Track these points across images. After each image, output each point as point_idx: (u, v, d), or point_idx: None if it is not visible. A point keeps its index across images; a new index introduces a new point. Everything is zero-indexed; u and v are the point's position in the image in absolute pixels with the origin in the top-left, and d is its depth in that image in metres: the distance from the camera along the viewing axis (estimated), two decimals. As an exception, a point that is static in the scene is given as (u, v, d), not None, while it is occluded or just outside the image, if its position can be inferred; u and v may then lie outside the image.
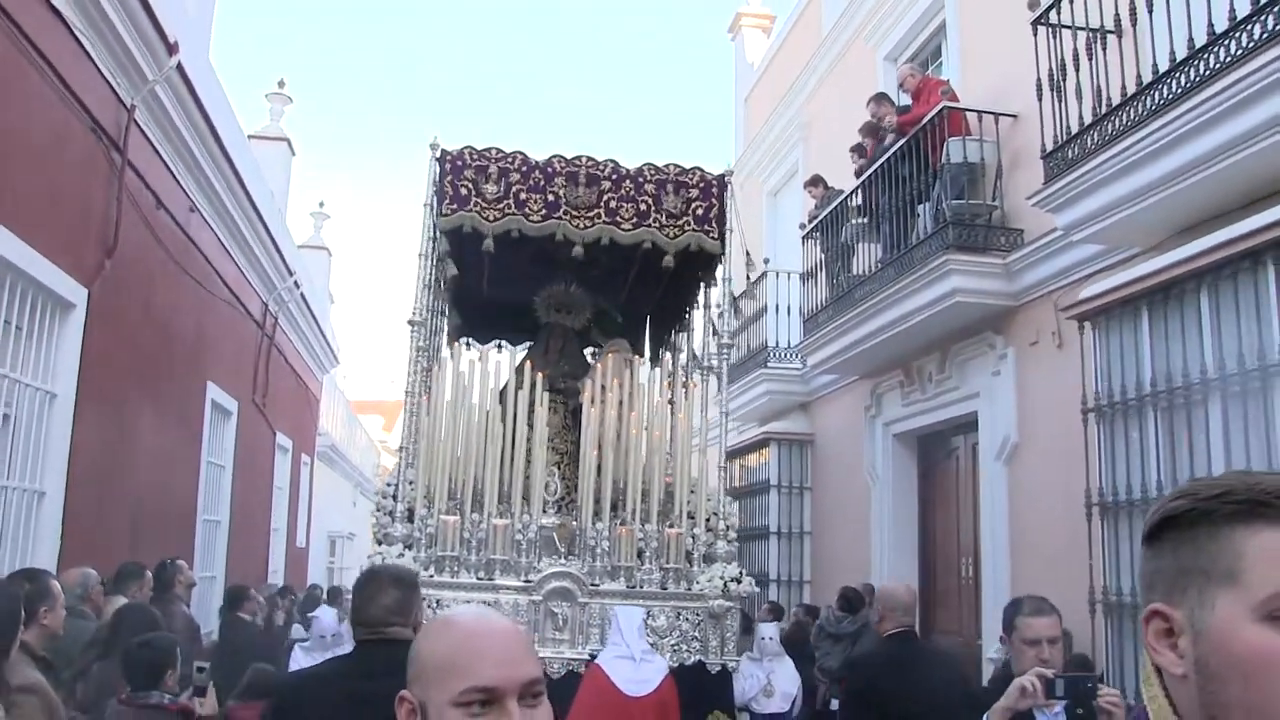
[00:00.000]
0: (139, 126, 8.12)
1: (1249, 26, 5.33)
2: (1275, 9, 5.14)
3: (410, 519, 6.61)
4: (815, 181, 11.92)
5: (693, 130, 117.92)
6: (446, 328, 8.66)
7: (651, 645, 6.13)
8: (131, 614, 5.60)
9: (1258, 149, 5.41)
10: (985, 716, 3.42)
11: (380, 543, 6.58)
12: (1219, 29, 5.56)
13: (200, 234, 10.28)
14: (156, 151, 8.73)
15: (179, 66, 8.18)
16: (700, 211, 6.98)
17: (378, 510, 6.90)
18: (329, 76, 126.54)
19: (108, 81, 7.48)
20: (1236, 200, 5.92)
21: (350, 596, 6.10)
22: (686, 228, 6.94)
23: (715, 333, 7.66)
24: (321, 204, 21.54)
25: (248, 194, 11.22)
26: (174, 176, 9.24)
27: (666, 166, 7.05)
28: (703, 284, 7.89)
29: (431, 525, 6.50)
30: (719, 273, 7.49)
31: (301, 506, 18.36)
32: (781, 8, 16.96)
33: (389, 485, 6.98)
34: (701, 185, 7.04)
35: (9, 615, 3.64)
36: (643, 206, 6.92)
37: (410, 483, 6.78)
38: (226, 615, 9.55)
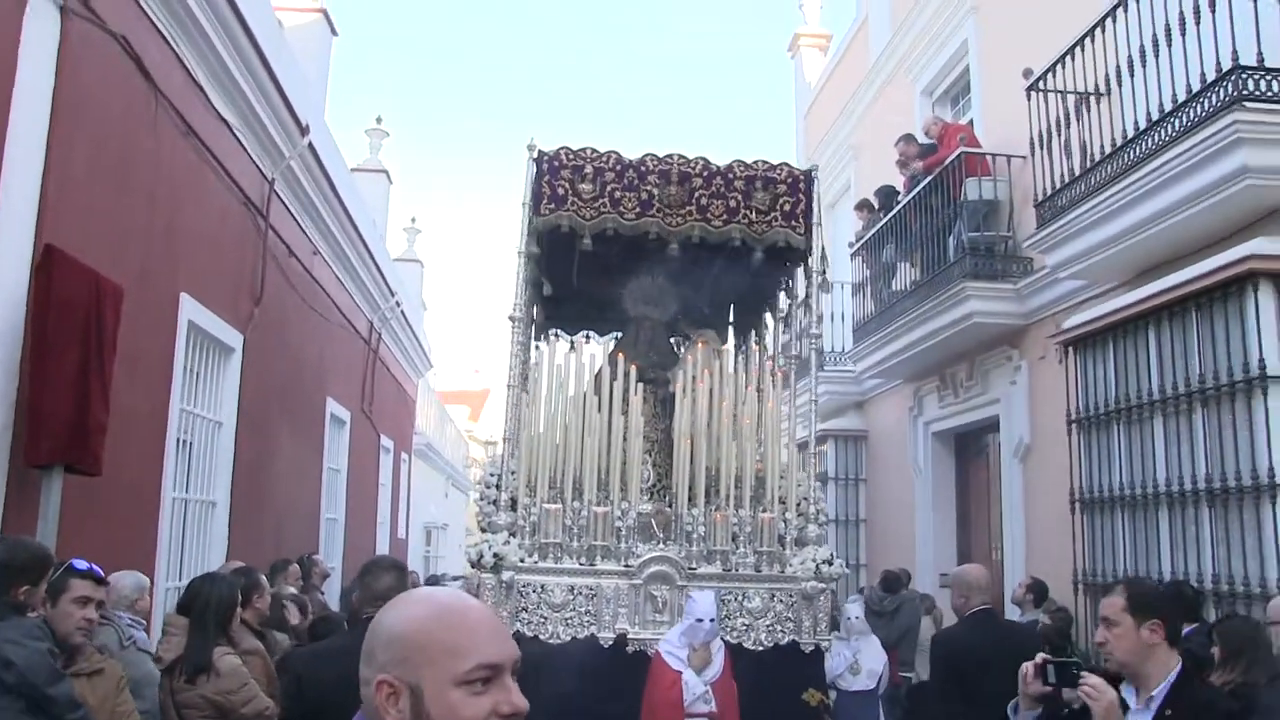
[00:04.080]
0: (277, 194, 9.66)
1: (1201, 100, 6.42)
2: (1220, 88, 6.25)
3: (513, 508, 6.75)
4: (862, 205, 13.12)
5: (760, 143, 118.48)
6: (536, 320, 8.85)
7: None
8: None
9: (1206, 205, 6.55)
10: (1010, 705, 3.37)
11: (484, 530, 6.77)
12: (1183, 96, 6.61)
13: (321, 272, 11.80)
14: (288, 209, 10.24)
15: (309, 143, 9.71)
16: (788, 207, 7.11)
17: (481, 499, 7.04)
18: (401, 94, 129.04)
19: (255, 165, 9.04)
20: (1190, 246, 7.12)
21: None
22: (774, 223, 7.08)
23: (808, 309, 7.73)
24: (413, 219, 23.07)
25: (358, 230, 12.69)
26: (300, 228, 10.76)
27: (755, 163, 7.19)
28: (786, 276, 8.08)
29: (534, 513, 6.65)
30: (809, 265, 7.46)
31: (401, 500, 19.83)
32: (838, 25, 18.07)
33: (492, 475, 7.08)
34: (789, 181, 7.18)
35: (231, 599, 5.20)
36: (732, 203, 7.06)
37: (513, 472, 6.91)
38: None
